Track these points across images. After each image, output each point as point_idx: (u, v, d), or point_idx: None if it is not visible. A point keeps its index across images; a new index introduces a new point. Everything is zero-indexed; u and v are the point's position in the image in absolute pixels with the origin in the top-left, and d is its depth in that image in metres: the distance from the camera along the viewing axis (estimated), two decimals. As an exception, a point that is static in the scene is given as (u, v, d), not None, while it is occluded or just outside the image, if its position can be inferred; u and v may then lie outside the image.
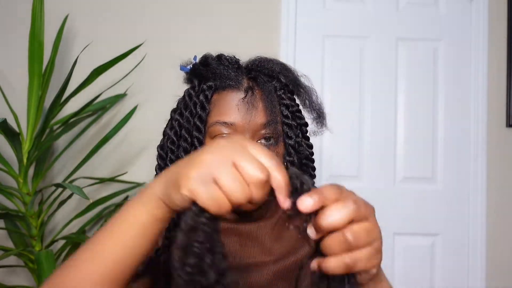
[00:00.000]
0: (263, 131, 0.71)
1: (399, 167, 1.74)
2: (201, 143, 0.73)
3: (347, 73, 1.75)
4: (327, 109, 1.89)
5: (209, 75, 0.74)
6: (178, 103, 0.79)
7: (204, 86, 0.74)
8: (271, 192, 0.44)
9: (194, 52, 0.82)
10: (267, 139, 0.72)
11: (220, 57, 0.77)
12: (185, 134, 0.74)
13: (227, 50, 0.87)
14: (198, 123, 0.73)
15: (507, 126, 1.73)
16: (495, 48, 1.74)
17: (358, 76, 1.75)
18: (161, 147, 0.79)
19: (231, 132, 0.70)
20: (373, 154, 1.74)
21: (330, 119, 1.91)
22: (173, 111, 0.79)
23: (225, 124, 0.70)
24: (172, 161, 0.76)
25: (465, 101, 1.75)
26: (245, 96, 0.71)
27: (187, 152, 0.74)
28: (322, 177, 1.72)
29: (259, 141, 0.72)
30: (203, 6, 1.71)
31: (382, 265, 1.58)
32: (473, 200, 1.73)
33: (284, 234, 0.78)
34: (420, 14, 1.76)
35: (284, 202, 0.44)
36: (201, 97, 0.73)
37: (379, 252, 0.46)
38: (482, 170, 1.72)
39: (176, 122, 0.76)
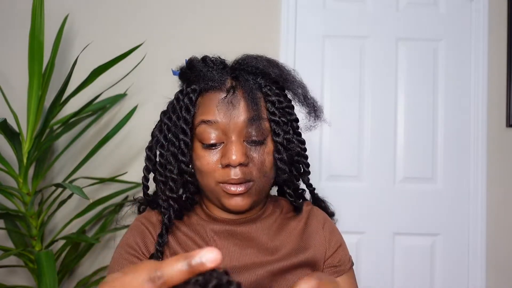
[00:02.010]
0: (247, 129, 0.71)
1: (399, 167, 1.74)
2: (188, 145, 0.73)
3: (347, 73, 1.75)
4: (327, 109, 1.89)
5: (193, 78, 0.74)
6: (167, 106, 0.79)
7: (188, 89, 0.74)
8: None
9: (194, 52, 0.82)
10: (253, 142, 0.72)
11: (204, 59, 0.77)
12: (172, 138, 0.75)
13: (227, 50, 0.88)
14: (183, 125, 0.73)
15: (507, 126, 1.73)
16: (495, 48, 1.74)
17: (358, 76, 1.75)
18: (149, 148, 0.79)
19: (217, 133, 0.70)
20: (373, 154, 1.74)
21: (330, 119, 1.91)
22: (163, 113, 0.79)
23: (209, 122, 0.71)
24: (161, 165, 0.77)
25: (465, 101, 1.75)
26: (226, 96, 0.71)
27: (175, 156, 0.74)
28: (322, 177, 1.72)
29: (244, 141, 0.71)
30: (203, 6, 1.71)
31: (383, 265, 1.60)
32: (473, 200, 1.73)
33: (281, 234, 0.78)
34: (420, 14, 1.76)
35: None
36: (186, 100, 0.74)
37: None
38: (482, 170, 1.72)
39: (165, 126, 0.76)
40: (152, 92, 1.68)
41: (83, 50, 1.48)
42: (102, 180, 1.54)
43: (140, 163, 1.68)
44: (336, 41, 1.75)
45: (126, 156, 1.68)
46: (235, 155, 0.69)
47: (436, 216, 1.73)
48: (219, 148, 0.71)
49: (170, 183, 0.75)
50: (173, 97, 0.80)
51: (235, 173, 0.70)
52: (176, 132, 0.74)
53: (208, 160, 0.71)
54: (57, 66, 1.60)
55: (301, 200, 0.84)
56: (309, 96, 0.76)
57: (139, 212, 0.88)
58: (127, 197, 1.63)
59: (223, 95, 0.72)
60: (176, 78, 0.81)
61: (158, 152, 0.78)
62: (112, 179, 1.56)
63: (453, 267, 1.72)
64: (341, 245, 0.83)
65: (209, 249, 0.35)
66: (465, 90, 1.75)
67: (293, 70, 0.78)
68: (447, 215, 1.73)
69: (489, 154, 1.73)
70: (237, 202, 0.71)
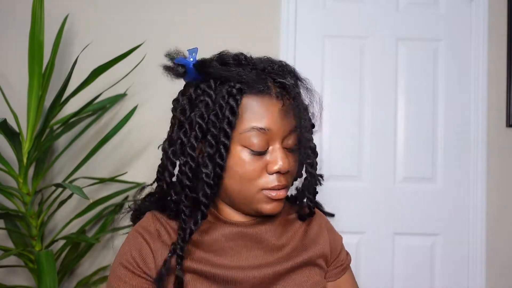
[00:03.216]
0: (290, 137, 0.72)
1: (399, 167, 1.74)
2: (228, 150, 0.69)
3: (347, 73, 1.75)
4: (327, 109, 1.90)
5: (234, 76, 0.69)
6: (191, 102, 0.72)
7: (234, 90, 0.68)
8: None
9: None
10: (289, 149, 0.72)
11: (238, 56, 0.72)
12: (211, 139, 0.69)
13: (227, 50, 0.87)
14: (227, 128, 0.68)
15: (507, 126, 1.73)
16: (495, 48, 1.74)
17: (358, 76, 1.75)
18: (173, 153, 0.72)
19: (266, 139, 0.69)
20: (373, 154, 1.73)
21: (330, 119, 1.92)
22: (182, 112, 0.73)
23: (262, 130, 0.68)
24: (191, 170, 0.70)
25: (465, 101, 1.75)
26: (282, 104, 0.70)
27: (211, 159, 0.69)
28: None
29: (285, 149, 0.72)
30: (204, 6, 1.71)
31: (383, 265, 1.60)
32: (473, 200, 1.73)
33: (286, 234, 0.79)
34: (420, 14, 1.76)
35: None
36: (231, 101, 0.68)
37: None
38: (482, 170, 1.72)
39: (197, 125, 0.69)
40: (152, 92, 1.68)
41: (83, 50, 1.48)
42: (102, 180, 1.54)
43: (140, 163, 1.68)
44: (336, 41, 1.75)
45: (126, 156, 1.69)
46: (284, 162, 0.69)
47: (436, 216, 1.73)
48: (265, 154, 0.71)
49: (206, 189, 0.70)
50: (178, 95, 0.76)
51: (280, 179, 0.71)
52: (215, 133, 0.69)
53: (255, 166, 0.69)
54: (57, 66, 1.60)
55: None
56: (318, 104, 0.78)
57: (133, 219, 0.83)
58: (127, 197, 1.63)
59: (273, 100, 0.70)
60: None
61: (188, 155, 0.70)
62: (112, 179, 1.56)
63: (453, 267, 1.72)
64: (339, 243, 0.87)
65: None
66: (465, 90, 1.75)
67: (307, 79, 0.78)
68: (447, 215, 1.73)
69: (489, 154, 1.73)
70: (275, 207, 0.72)
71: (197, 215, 0.71)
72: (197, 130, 0.69)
